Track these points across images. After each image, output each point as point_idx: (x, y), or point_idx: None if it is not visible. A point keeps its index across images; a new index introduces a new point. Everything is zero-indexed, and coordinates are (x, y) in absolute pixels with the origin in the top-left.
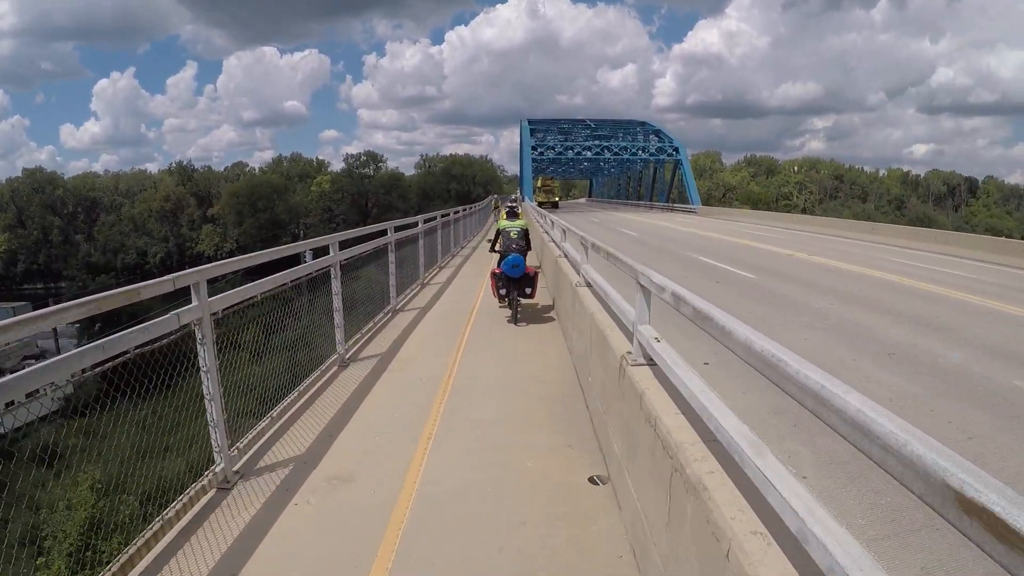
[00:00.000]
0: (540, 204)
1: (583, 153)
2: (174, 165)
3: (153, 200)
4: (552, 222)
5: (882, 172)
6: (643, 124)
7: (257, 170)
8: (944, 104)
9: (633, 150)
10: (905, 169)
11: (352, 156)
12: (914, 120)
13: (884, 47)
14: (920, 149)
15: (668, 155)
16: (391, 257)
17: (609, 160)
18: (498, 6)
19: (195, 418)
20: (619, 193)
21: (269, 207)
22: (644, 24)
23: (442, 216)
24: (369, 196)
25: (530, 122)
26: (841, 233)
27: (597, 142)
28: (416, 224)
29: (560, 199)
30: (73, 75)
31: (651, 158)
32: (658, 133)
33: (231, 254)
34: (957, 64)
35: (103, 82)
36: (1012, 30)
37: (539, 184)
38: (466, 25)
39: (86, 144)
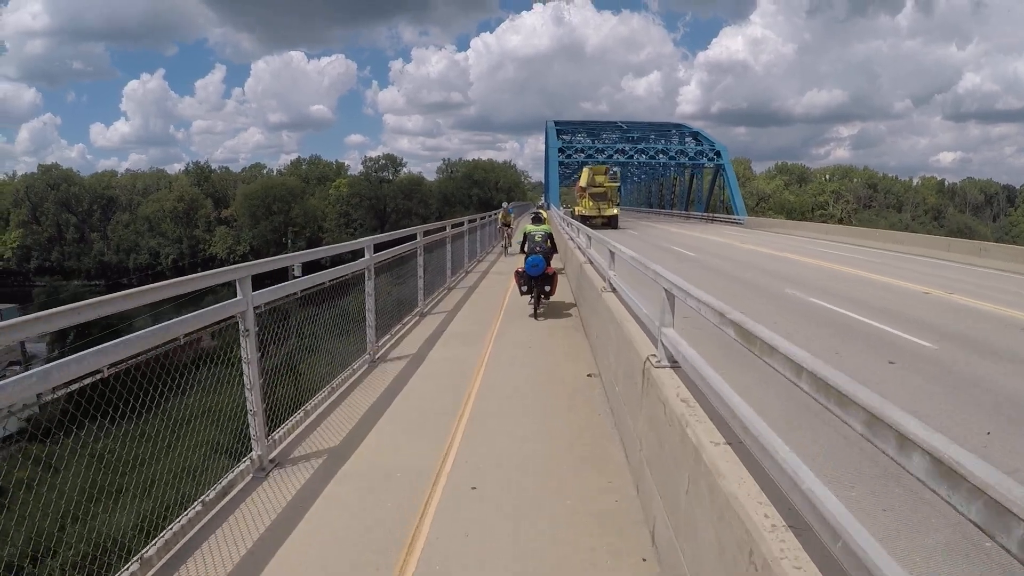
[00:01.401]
0: (585, 220)
1: (614, 156)
2: (191, 165)
3: (166, 200)
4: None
5: (916, 181)
6: (679, 126)
7: (275, 172)
8: (971, 111)
9: (671, 153)
10: (932, 177)
11: (371, 159)
12: (940, 127)
13: (910, 53)
14: (947, 157)
15: (709, 159)
16: (419, 260)
17: (641, 165)
18: (523, 13)
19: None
20: (649, 202)
21: (284, 210)
22: (669, 31)
23: (469, 221)
24: (387, 201)
25: (556, 123)
26: (932, 253)
27: (630, 145)
28: (444, 228)
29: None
30: (104, 75)
31: (690, 162)
32: (696, 136)
33: (244, 257)
34: (984, 70)
35: (133, 83)
36: None
37: (584, 182)
38: (491, 32)
39: (116, 143)
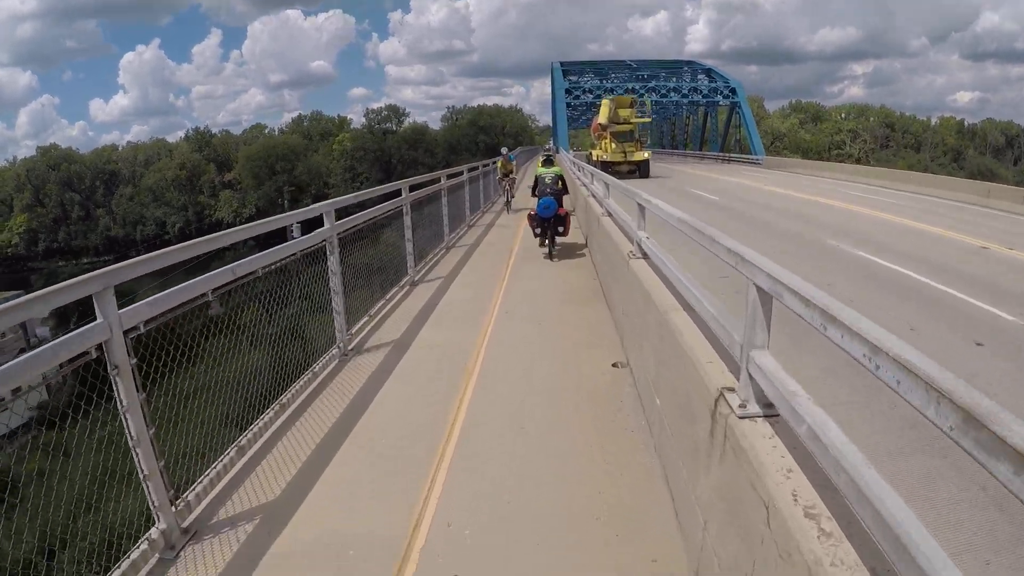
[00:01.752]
0: (607, 167)
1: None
2: (191, 131)
3: (168, 169)
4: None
5: (934, 120)
6: (690, 63)
7: (276, 132)
8: (989, 50)
9: (684, 91)
10: (951, 116)
11: (373, 111)
12: (958, 66)
13: None
14: (964, 97)
15: (724, 96)
16: (407, 221)
17: (653, 104)
18: None
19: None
20: (661, 143)
21: (287, 169)
22: None
23: (469, 170)
24: (392, 152)
25: (562, 64)
26: (971, 199)
27: (640, 84)
28: (439, 180)
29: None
30: (98, 51)
31: (704, 100)
32: (709, 73)
33: (251, 219)
34: (1003, 8)
35: (129, 55)
36: None
37: (603, 118)
38: None
39: (116, 117)
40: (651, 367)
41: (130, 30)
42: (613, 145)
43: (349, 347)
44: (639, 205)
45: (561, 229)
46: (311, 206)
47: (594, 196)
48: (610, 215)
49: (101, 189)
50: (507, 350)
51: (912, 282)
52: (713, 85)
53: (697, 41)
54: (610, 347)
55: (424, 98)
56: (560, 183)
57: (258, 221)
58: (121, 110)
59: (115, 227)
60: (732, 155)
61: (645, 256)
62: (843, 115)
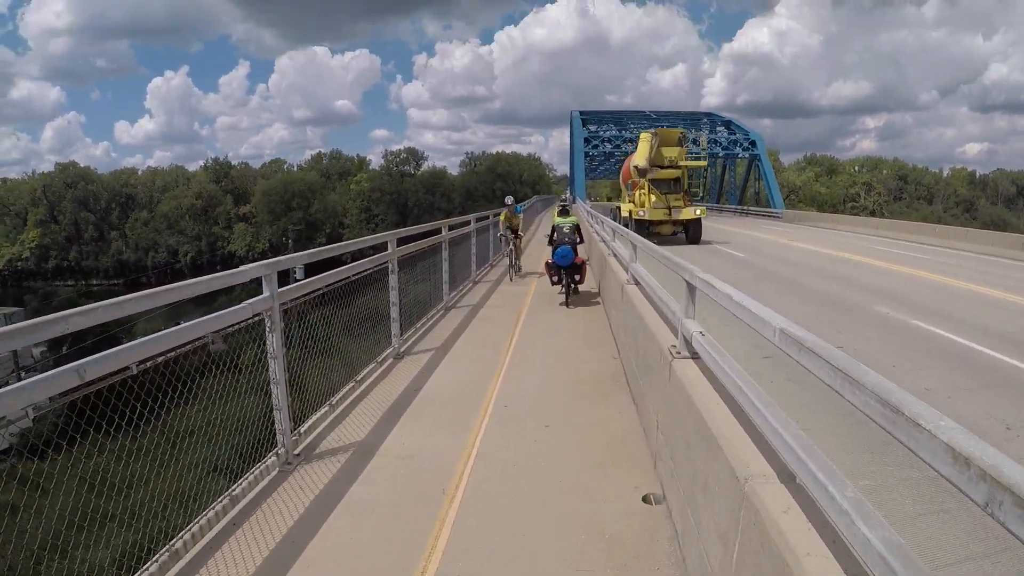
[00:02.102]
0: (643, 227)
1: None
2: (210, 161)
3: (184, 197)
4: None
5: (946, 172)
6: (709, 115)
7: (296, 168)
8: (997, 102)
9: (704, 144)
10: (963, 168)
11: (392, 153)
12: (967, 119)
13: (936, 44)
14: (973, 148)
15: (744, 148)
16: (444, 255)
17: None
18: (547, 6)
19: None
20: None
21: (303, 206)
22: (694, 23)
23: (494, 215)
24: (409, 195)
25: (582, 113)
26: (1005, 253)
27: None
28: (469, 223)
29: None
30: (128, 72)
31: (723, 152)
32: (728, 125)
33: (263, 255)
34: (1011, 60)
35: (157, 80)
36: None
37: (641, 159)
38: (515, 25)
39: (140, 141)
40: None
41: (160, 54)
42: (653, 197)
43: (295, 452)
44: (688, 284)
45: (578, 277)
46: (382, 233)
47: (616, 256)
48: (637, 283)
49: (117, 211)
50: (501, 468)
51: (994, 362)
52: (732, 137)
53: (713, 94)
54: (638, 466)
55: (445, 143)
56: (577, 233)
57: (366, 238)
58: (146, 134)
59: (127, 251)
60: (750, 208)
61: (695, 356)
62: (857, 168)
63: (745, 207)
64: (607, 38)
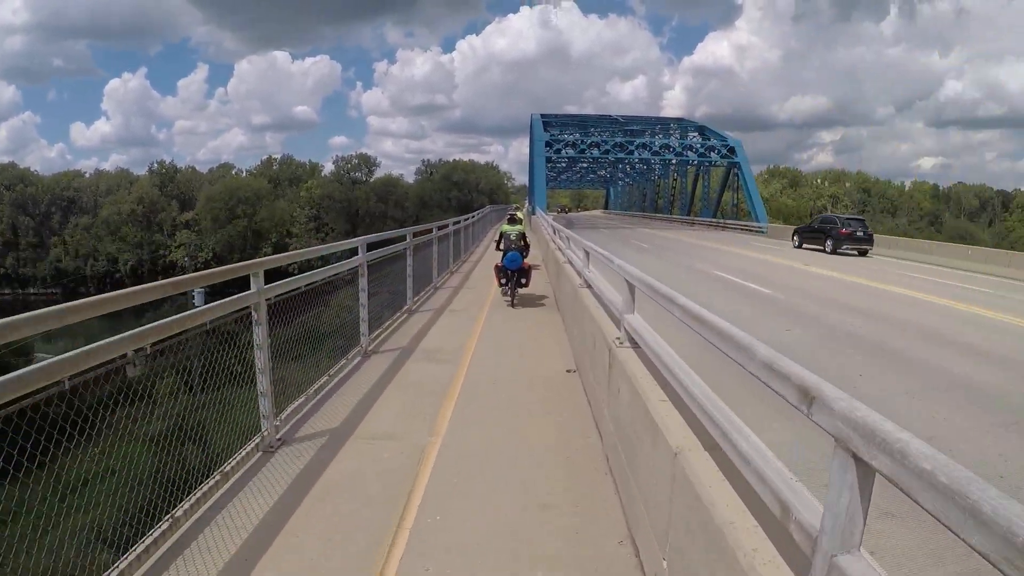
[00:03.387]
0: None
1: (612, 152)
2: (156, 165)
3: (124, 202)
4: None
5: (907, 185)
6: (680, 120)
7: (244, 173)
8: (952, 117)
9: (678, 149)
10: (925, 181)
11: (343, 159)
12: (922, 133)
13: (893, 60)
14: (928, 162)
15: (721, 155)
16: (408, 260)
17: (644, 162)
18: (510, 15)
19: None
20: (643, 204)
21: (248, 213)
22: (655, 35)
23: (454, 224)
24: (360, 203)
25: (543, 116)
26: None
27: (628, 138)
28: (431, 231)
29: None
30: (85, 73)
31: (699, 159)
32: (702, 130)
33: (206, 264)
34: (966, 77)
35: (115, 82)
36: (1021, 42)
37: None
38: (477, 34)
39: (96, 143)
40: None
41: (119, 56)
42: None
43: (277, 436)
44: (628, 284)
45: (524, 280)
46: (354, 239)
47: (571, 263)
48: (589, 286)
49: (58, 216)
50: (466, 448)
51: None
52: (708, 143)
53: (673, 106)
54: (588, 446)
55: (404, 151)
56: (523, 239)
57: (341, 243)
58: (102, 137)
59: (66, 258)
60: (728, 221)
61: (635, 346)
62: (819, 180)
63: (722, 220)
64: (568, 49)
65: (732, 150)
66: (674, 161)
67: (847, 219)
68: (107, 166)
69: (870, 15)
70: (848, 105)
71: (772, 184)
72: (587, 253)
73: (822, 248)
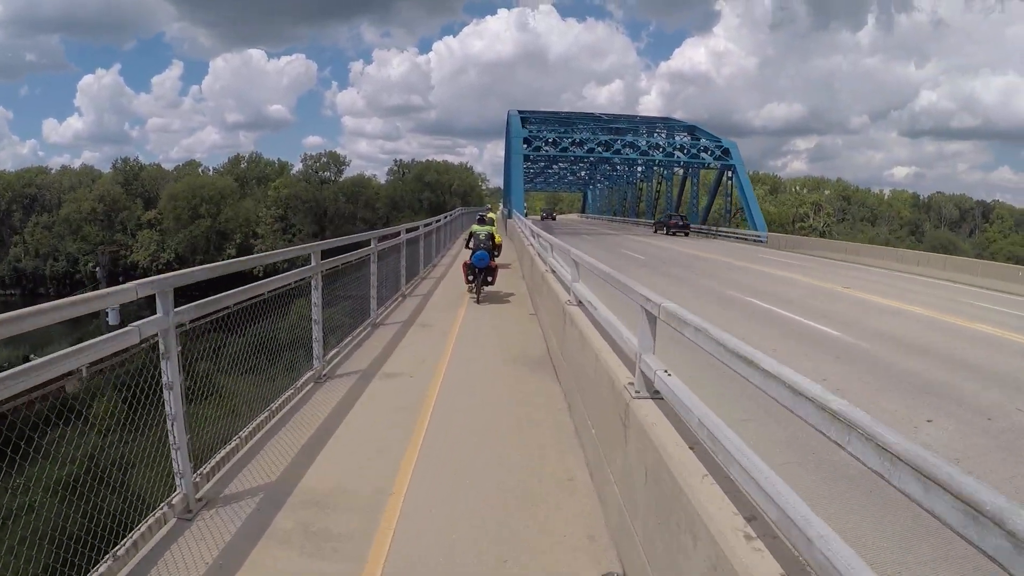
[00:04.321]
0: None
1: (596, 150)
2: (119, 162)
3: (85, 200)
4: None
5: (886, 193)
6: (667, 120)
7: (211, 171)
8: (926, 128)
9: (668, 149)
10: (902, 190)
11: (311, 157)
12: (896, 143)
13: (869, 70)
14: (901, 171)
15: (715, 157)
16: (372, 268)
17: (628, 163)
18: (487, 18)
19: None
20: (623, 209)
21: (212, 213)
22: (632, 40)
23: (425, 225)
24: (328, 203)
25: (521, 112)
26: None
27: (613, 136)
28: (399, 234)
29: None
30: (58, 69)
31: (691, 161)
32: (692, 131)
33: (168, 266)
34: (941, 88)
35: (88, 78)
36: (996, 55)
37: None
38: (454, 36)
39: (69, 140)
40: None
41: (92, 51)
42: None
43: (196, 496)
44: (648, 314)
45: (490, 279)
46: (304, 245)
47: (554, 272)
48: (580, 304)
49: (19, 214)
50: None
51: None
52: (699, 144)
53: (649, 111)
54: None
55: (379, 152)
56: (492, 240)
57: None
58: (75, 133)
59: (26, 258)
60: (721, 229)
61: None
62: (798, 187)
63: (713, 227)
64: (546, 52)
65: (727, 151)
66: (662, 162)
67: (671, 215)
68: (80, 163)
69: (848, 25)
70: (823, 113)
71: (756, 190)
72: (577, 265)
73: (666, 232)
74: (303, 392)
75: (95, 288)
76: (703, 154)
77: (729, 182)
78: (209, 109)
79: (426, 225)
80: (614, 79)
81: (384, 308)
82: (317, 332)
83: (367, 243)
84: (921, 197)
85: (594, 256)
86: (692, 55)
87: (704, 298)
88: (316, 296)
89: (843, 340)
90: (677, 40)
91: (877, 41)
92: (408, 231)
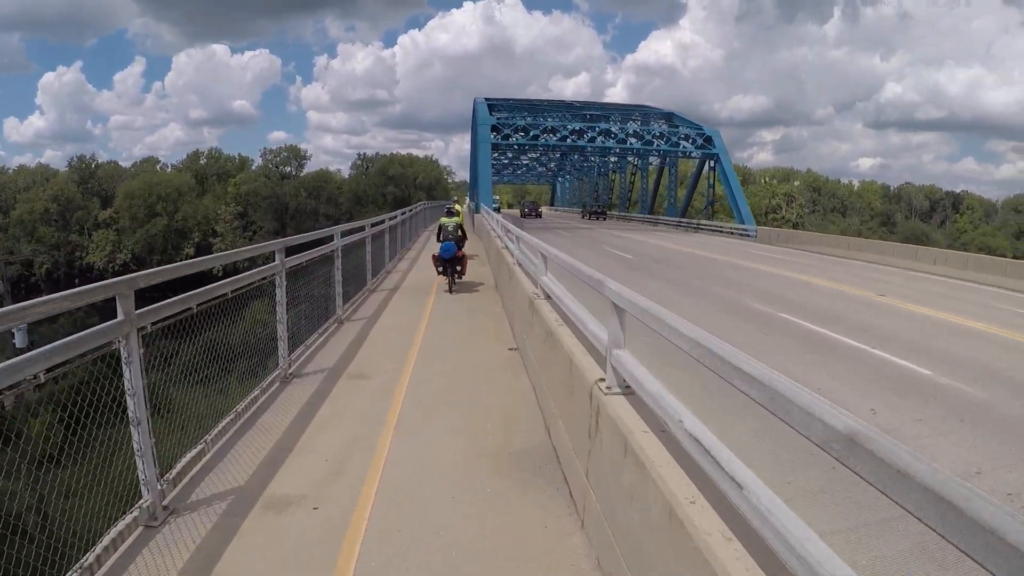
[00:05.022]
0: None
1: (570, 139)
2: (75, 159)
3: (38, 200)
4: None
5: (855, 184)
6: (642, 108)
7: (170, 168)
8: (891, 119)
9: (647, 137)
10: (872, 181)
11: (271, 151)
12: (861, 134)
13: (835, 62)
14: (867, 162)
15: (697, 146)
16: (337, 263)
17: (602, 153)
18: (453, 11)
19: None
20: (594, 201)
21: (169, 211)
22: (599, 33)
23: (390, 219)
24: (290, 199)
25: (489, 100)
26: None
27: (588, 123)
28: (364, 228)
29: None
30: (19, 67)
31: (672, 150)
32: (670, 118)
33: (125, 266)
34: (906, 81)
35: (49, 75)
36: (961, 48)
37: None
38: (420, 29)
39: (30, 139)
40: None
41: (54, 49)
42: None
43: (163, 503)
44: (615, 307)
45: (459, 268)
46: (269, 242)
47: (520, 265)
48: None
49: None
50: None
51: None
52: (682, 131)
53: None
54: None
55: (344, 147)
56: (460, 231)
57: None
58: (36, 132)
59: None
60: (701, 223)
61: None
62: (767, 178)
63: (692, 221)
64: (511, 45)
65: (709, 140)
66: (639, 151)
67: (594, 203)
68: (42, 162)
69: (814, 17)
70: (789, 105)
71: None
72: (545, 257)
73: (588, 217)
74: (269, 392)
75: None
76: (684, 142)
77: (712, 172)
78: (172, 106)
79: (391, 219)
80: (580, 72)
81: (351, 304)
82: (282, 331)
83: (331, 239)
84: (891, 188)
85: (580, 257)
86: (658, 48)
87: (732, 316)
88: (280, 294)
89: (943, 384)
90: (643, 32)
91: (843, 33)
92: (373, 225)
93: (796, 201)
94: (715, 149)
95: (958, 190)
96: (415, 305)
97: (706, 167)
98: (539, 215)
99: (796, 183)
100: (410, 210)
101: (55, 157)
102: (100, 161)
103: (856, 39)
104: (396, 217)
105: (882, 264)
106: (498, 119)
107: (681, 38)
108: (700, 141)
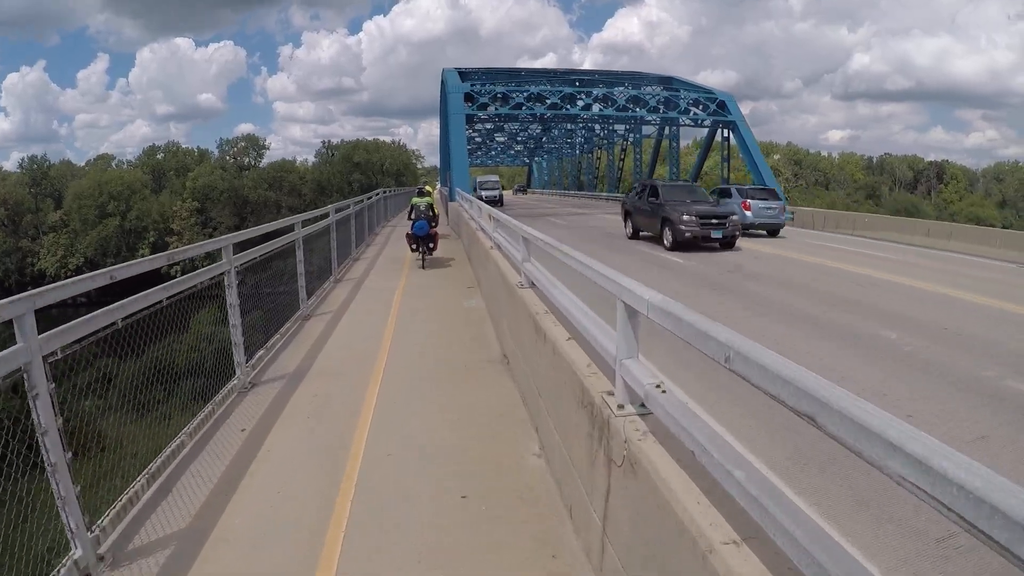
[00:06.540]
0: None
1: (563, 108)
2: (25, 160)
3: None
4: None
5: (835, 156)
6: (635, 75)
7: (125, 164)
8: (859, 91)
9: (652, 104)
10: (851, 153)
11: (228, 142)
12: (830, 107)
13: (802, 35)
14: (836, 135)
15: (710, 113)
16: (300, 255)
17: (588, 127)
18: None
19: None
20: (578, 181)
21: (121, 211)
22: (565, 13)
23: (356, 203)
24: (249, 192)
25: (460, 71)
26: None
27: (579, 88)
28: (328, 215)
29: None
30: None
31: (680, 116)
32: (668, 82)
33: (78, 271)
34: (873, 51)
35: (12, 76)
36: (927, 17)
37: None
38: (385, 15)
39: None
40: None
41: (15, 48)
42: None
43: (98, 552)
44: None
45: (432, 245)
46: (215, 239)
47: (499, 248)
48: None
49: None
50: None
51: None
52: (681, 96)
53: None
54: None
55: (312, 136)
56: (432, 210)
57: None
58: (2, 135)
59: None
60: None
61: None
62: None
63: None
64: (477, 29)
65: (723, 105)
66: (644, 119)
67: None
68: (8, 165)
69: None
70: (757, 79)
71: (710, 158)
72: (527, 241)
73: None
74: (225, 405)
75: None
76: (694, 108)
77: (726, 142)
78: (138, 102)
79: (357, 203)
80: (547, 52)
81: (315, 298)
82: (236, 337)
83: (290, 229)
84: (872, 159)
85: (610, 263)
86: (625, 26)
87: (858, 356)
88: (232, 296)
89: None
90: (609, 11)
91: (810, 6)
92: (338, 211)
93: (781, 175)
94: (730, 116)
95: (929, 159)
96: (387, 291)
97: (718, 136)
98: (524, 192)
99: (776, 156)
100: (368, 198)
101: (21, 159)
102: (52, 162)
103: (822, 11)
104: (351, 207)
105: (962, 252)
106: (472, 87)
107: (647, 15)
108: (712, 107)
